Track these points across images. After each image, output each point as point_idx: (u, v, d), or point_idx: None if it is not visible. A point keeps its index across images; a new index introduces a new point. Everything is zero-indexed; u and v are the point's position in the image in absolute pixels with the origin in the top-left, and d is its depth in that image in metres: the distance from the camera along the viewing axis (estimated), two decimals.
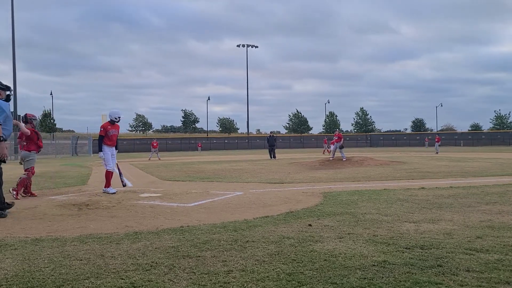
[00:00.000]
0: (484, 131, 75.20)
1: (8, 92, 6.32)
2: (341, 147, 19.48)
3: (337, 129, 24.93)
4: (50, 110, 69.91)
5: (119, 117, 9.15)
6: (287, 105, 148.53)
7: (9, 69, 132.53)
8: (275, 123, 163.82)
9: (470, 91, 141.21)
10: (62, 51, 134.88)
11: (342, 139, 19.89)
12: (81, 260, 3.66)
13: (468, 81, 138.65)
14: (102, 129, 9.03)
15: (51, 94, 67.23)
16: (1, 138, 5.93)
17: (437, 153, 30.28)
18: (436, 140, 32.82)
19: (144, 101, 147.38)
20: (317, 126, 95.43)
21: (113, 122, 9.11)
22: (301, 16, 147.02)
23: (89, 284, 3.05)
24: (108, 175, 8.98)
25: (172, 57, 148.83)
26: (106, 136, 9.02)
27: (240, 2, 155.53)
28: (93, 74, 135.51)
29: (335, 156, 19.56)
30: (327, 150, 32.46)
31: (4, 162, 6.16)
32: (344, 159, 18.05)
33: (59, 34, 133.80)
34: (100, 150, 8.99)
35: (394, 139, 69.11)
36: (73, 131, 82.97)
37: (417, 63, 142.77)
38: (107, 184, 8.88)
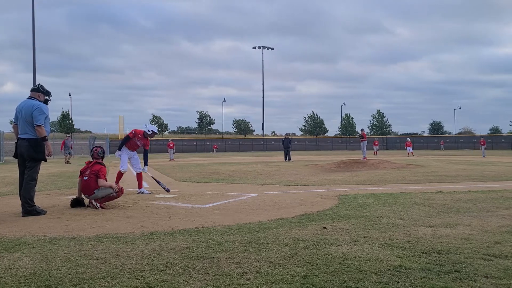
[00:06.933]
0: (504, 134, 73.62)
1: (47, 97, 6.67)
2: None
3: (362, 130, 25.26)
4: (69, 111, 71.25)
5: (152, 132, 9.23)
6: (295, 107, 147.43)
7: (7, 71, 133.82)
8: (286, 124, 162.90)
9: (479, 93, 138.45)
10: (55, 52, 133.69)
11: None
12: (97, 259, 3.71)
13: (475, 83, 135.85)
14: (133, 132, 9.26)
15: (69, 95, 68.51)
16: (46, 138, 6.32)
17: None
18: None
19: (150, 102, 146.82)
20: (328, 128, 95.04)
21: (145, 135, 9.23)
22: (291, 16, 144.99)
23: (105, 283, 3.09)
24: (119, 175, 9.21)
25: (169, 58, 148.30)
26: (131, 140, 9.21)
27: (226, 2, 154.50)
28: (94, 75, 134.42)
29: (366, 156, 21.91)
30: (411, 153, 33.83)
31: (45, 160, 6.52)
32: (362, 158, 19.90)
33: (49, 35, 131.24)
34: (119, 149, 9.20)
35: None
36: (90, 132, 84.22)
37: (418, 65, 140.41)
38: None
